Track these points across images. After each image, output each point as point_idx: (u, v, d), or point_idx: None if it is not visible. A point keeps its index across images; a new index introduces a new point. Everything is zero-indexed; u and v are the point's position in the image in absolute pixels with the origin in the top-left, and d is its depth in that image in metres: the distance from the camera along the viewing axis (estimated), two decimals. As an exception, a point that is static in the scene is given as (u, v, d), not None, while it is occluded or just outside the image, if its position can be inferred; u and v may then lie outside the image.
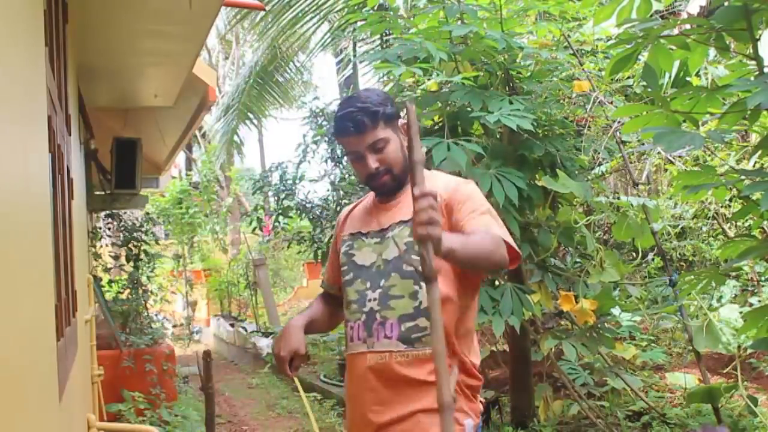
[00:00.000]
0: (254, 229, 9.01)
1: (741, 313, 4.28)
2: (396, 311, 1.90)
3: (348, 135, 1.93)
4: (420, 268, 1.50)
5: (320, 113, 7.83)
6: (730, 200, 5.03)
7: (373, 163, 1.94)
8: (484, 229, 1.82)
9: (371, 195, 2.12)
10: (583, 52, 4.46)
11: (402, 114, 2.02)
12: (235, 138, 11.42)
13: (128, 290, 6.50)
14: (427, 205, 1.50)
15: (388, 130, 1.95)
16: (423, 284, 1.85)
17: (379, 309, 1.92)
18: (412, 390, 1.87)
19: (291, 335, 1.99)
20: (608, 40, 4.24)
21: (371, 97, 1.95)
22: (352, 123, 1.91)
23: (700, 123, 2.71)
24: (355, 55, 8.47)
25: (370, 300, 1.95)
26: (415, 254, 1.90)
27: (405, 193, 2.00)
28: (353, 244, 2.04)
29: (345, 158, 7.66)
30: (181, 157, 16.67)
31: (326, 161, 7.85)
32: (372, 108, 1.92)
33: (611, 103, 4.20)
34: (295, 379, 2.05)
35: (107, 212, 6.63)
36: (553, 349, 4.09)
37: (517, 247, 1.87)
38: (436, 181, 2.00)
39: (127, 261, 6.73)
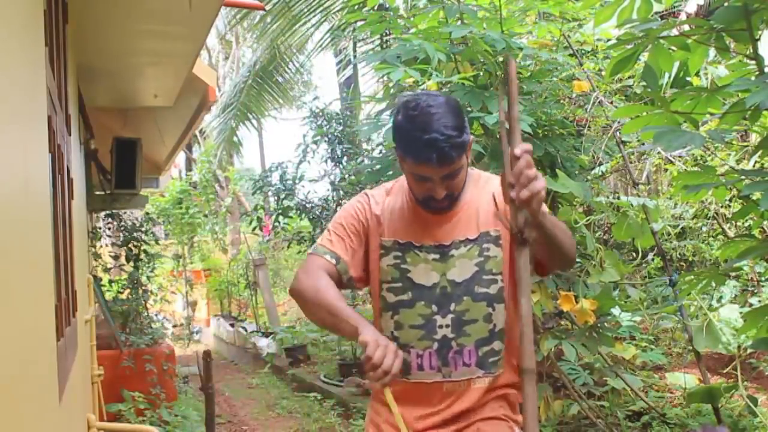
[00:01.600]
0: (254, 229, 9.01)
1: (741, 313, 4.29)
2: (472, 337, 1.82)
3: (428, 164, 1.70)
4: (514, 231, 1.50)
5: (320, 113, 7.83)
6: (730, 200, 5.03)
7: (441, 191, 1.76)
8: None
9: (406, 194, 1.90)
10: (583, 52, 4.46)
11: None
12: (234, 138, 11.42)
13: (128, 290, 6.50)
14: (525, 165, 1.48)
15: (464, 158, 1.76)
16: (496, 306, 1.82)
17: (454, 336, 1.81)
18: (477, 408, 1.85)
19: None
20: (608, 41, 4.24)
21: (453, 119, 1.71)
22: (437, 154, 1.68)
23: (700, 123, 2.71)
24: (355, 56, 8.48)
25: (441, 326, 1.81)
26: (489, 276, 1.82)
27: (461, 204, 1.85)
28: (405, 257, 1.84)
29: (345, 158, 7.67)
30: (181, 157, 16.68)
31: (326, 161, 7.86)
32: (458, 139, 1.70)
33: (611, 103, 4.20)
34: (388, 393, 1.72)
35: (107, 212, 6.63)
36: (553, 349, 4.09)
37: None
38: (492, 185, 1.88)
39: (127, 261, 6.73)
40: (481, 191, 1.88)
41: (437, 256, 1.83)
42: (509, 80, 1.49)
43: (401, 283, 1.84)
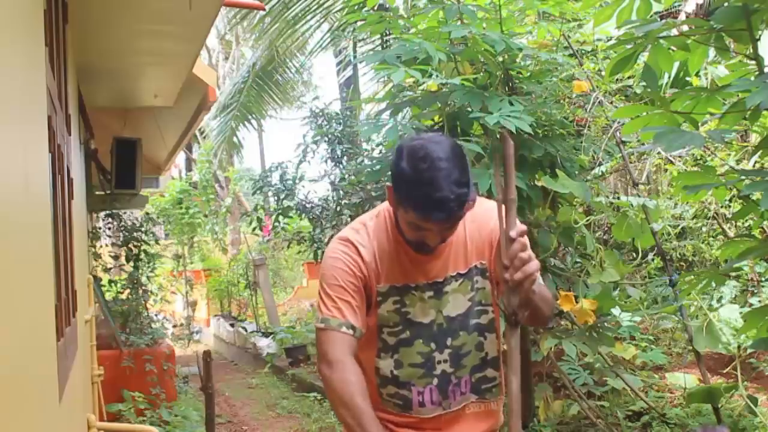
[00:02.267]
0: (254, 229, 9.01)
1: (741, 313, 4.28)
2: (467, 367, 1.85)
3: (434, 222, 1.66)
4: (507, 312, 1.53)
5: (320, 113, 7.84)
6: (730, 200, 5.03)
7: (436, 240, 1.75)
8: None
9: (390, 232, 1.84)
10: (583, 52, 4.47)
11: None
12: (234, 139, 11.43)
13: (128, 290, 6.50)
14: (520, 247, 1.49)
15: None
16: (487, 335, 1.85)
17: (453, 371, 1.83)
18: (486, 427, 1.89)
19: None
20: (608, 40, 4.24)
21: (461, 173, 1.65)
22: (445, 214, 1.64)
23: (700, 123, 2.71)
24: (355, 56, 8.48)
25: (439, 362, 1.83)
26: (480, 307, 1.85)
27: (449, 239, 1.81)
28: (404, 300, 1.82)
29: (345, 158, 7.66)
30: (181, 157, 16.67)
31: (326, 161, 7.86)
32: (466, 196, 1.65)
33: (611, 103, 4.20)
34: None
35: (107, 212, 6.63)
36: (553, 349, 4.09)
37: None
38: (477, 214, 1.84)
39: (127, 261, 6.73)
40: (467, 223, 1.83)
41: (432, 293, 1.83)
42: (506, 158, 1.47)
43: (402, 325, 1.83)
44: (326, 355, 1.76)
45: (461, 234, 1.84)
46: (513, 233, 1.49)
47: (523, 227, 1.52)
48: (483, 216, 1.83)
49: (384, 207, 1.87)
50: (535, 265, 1.51)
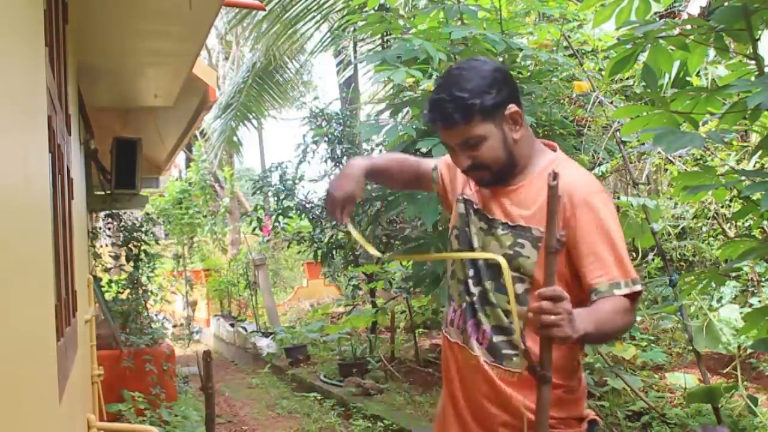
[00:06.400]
0: (254, 229, 9.01)
1: (741, 313, 4.28)
2: (491, 319, 1.71)
3: (436, 125, 1.70)
4: (531, 363, 1.44)
5: (320, 113, 7.84)
6: (730, 200, 5.03)
7: (464, 160, 1.68)
8: (612, 286, 1.61)
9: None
10: (583, 52, 4.47)
11: (509, 108, 1.67)
12: (234, 138, 11.42)
13: (128, 290, 6.49)
14: (549, 309, 1.39)
15: (487, 125, 1.64)
16: (517, 306, 1.70)
17: (478, 308, 1.73)
18: (496, 402, 1.72)
19: (351, 176, 1.76)
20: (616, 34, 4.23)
21: (473, 81, 1.62)
22: (440, 115, 1.64)
23: (700, 123, 2.71)
24: (355, 56, 8.48)
25: (471, 293, 1.74)
26: (516, 273, 1.66)
27: (527, 180, 1.72)
28: (469, 211, 1.78)
29: (345, 158, 7.66)
30: (181, 157, 16.65)
31: (326, 161, 7.87)
32: (468, 101, 1.60)
33: (611, 103, 4.20)
34: (350, 226, 1.79)
35: (107, 212, 6.63)
36: (553, 349, 4.08)
37: (640, 286, 1.67)
38: (572, 174, 1.72)
39: (127, 261, 6.73)
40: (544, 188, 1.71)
41: (485, 226, 1.75)
42: (549, 212, 1.43)
43: (462, 233, 1.80)
44: None
45: (539, 186, 1.69)
46: (547, 291, 1.40)
47: (556, 292, 1.40)
48: (575, 181, 1.71)
49: None
50: (561, 332, 1.39)
